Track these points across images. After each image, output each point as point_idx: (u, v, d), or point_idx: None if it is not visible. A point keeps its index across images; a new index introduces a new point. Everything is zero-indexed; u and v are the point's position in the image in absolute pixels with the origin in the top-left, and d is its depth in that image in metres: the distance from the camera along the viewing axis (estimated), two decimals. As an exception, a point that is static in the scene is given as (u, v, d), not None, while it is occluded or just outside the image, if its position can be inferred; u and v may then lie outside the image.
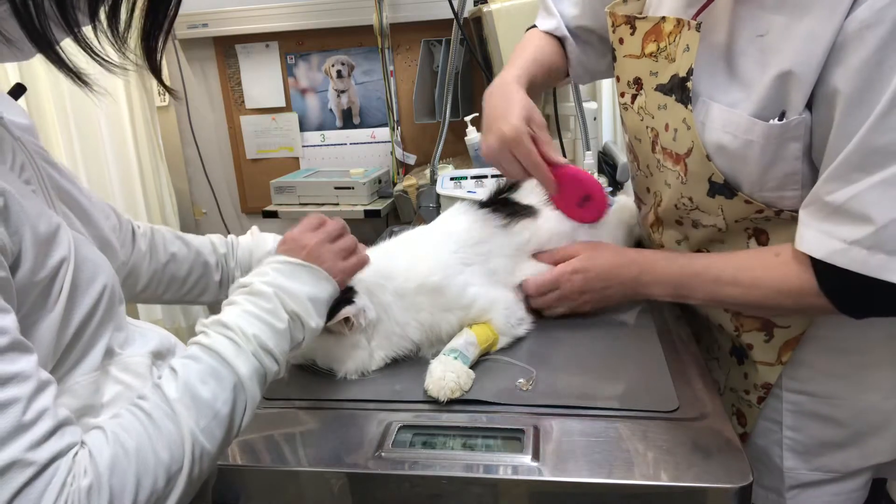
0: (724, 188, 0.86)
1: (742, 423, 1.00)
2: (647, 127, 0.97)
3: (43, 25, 0.57)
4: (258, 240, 1.06)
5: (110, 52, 0.62)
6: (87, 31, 0.61)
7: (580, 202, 1.04)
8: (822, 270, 0.77)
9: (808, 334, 0.90)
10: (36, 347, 0.55)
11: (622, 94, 1.03)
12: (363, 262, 0.85)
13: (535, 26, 1.20)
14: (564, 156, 1.58)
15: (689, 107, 0.85)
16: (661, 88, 0.92)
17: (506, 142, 0.96)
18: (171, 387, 0.60)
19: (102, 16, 0.60)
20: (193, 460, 0.57)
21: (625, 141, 1.11)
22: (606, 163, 1.92)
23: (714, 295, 0.90)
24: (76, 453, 0.52)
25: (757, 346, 0.94)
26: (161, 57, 0.65)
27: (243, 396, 0.63)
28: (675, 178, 0.93)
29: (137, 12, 0.62)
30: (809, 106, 0.77)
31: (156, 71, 0.65)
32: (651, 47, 0.94)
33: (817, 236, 0.76)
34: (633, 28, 0.97)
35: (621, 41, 1.01)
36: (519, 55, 1.14)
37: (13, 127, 0.67)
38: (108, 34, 0.61)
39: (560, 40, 1.17)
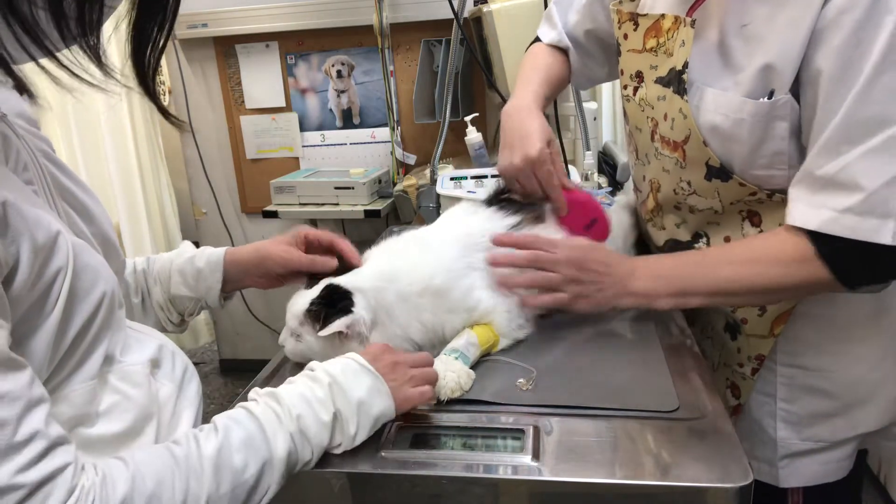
0: (720, 172, 0.90)
1: (736, 395, 1.04)
2: (647, 117, 1.02)
3: None
4: (180, 249, 1.01)
5: (91, 69, 0.54)
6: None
7: (588, 225, 1.10)
8: (818, 240, 0.80)
9: (799, 311, 0.94)
10: (31, 357, 0.55)
11: (625, 87, 1.08)
12: (425, 397, 0.78)
13: (538, 38, 1.27)
14: (565, 158, 1.60)
15: (685, 97, 0.90)
16: (660, 81, 0.97)
17: (530, 162, 1.03)
18: (209, 444, 0.61)
19: (72, 24, 0.52)
20: None
21: (625, 131, 1.16)
22: (606, 162, 1.92)
23: (715, 280, 0.90)
24: (79, 471, 0.52)
25: (751, 319, 0.98)
26: (155, 78, 0.58)
27: (269, 475, 0.64)
28: (673, 164, 0.97)
29: (125, 24, 0.54)
30: (796, 91, 0.82)
31: (151, 93, 0.59)
32: (651, 42, 1.00)
33: (808, 209, 0.80)
34: (636, 24, 1.03)
35: (626, 37, 1.06)
36: (531, 74, 1.19)
37: (17, 120, 0.66)
38: (85, 46, 0.53)
39: (563, 51, 1.24)
